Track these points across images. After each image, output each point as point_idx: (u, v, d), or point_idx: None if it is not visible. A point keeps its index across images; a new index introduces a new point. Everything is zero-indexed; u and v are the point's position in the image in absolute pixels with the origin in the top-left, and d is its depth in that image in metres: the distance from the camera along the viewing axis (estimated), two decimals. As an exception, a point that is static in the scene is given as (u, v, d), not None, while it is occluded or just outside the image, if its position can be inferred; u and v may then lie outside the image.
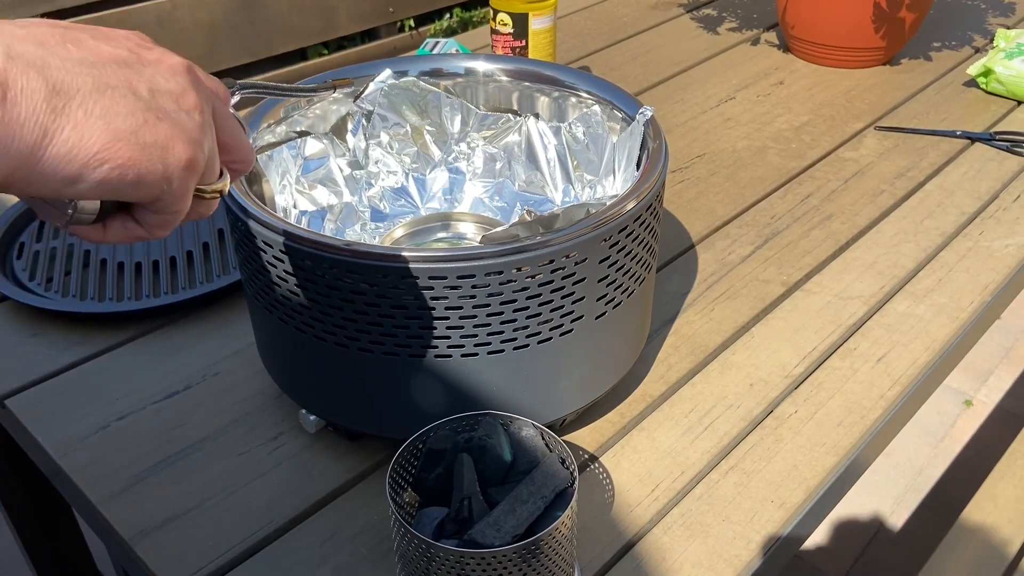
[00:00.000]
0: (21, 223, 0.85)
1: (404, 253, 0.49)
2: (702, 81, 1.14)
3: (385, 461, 0.61)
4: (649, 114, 0.61)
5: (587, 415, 0.64)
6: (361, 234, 0.70)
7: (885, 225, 0.85)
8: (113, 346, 0.72)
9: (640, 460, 0.61)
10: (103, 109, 0.30)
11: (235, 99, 0.48)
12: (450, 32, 2.49)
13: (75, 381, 0.69)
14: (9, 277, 0.78)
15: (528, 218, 0.51)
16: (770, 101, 1.08)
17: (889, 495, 1.46)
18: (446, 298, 0.50)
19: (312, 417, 0.62)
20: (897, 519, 1.42)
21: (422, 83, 0.70)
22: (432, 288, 0.50)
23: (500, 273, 0.50)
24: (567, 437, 0.63)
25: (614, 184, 0.66)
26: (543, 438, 0.52)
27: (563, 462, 0.50)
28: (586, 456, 0.61)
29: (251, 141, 0.41)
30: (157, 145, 0.32)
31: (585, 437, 0.63)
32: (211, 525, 0.57)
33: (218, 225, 0.85)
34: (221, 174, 0.37)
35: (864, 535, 1.40)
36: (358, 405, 0.57)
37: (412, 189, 0.74)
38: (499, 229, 0.51)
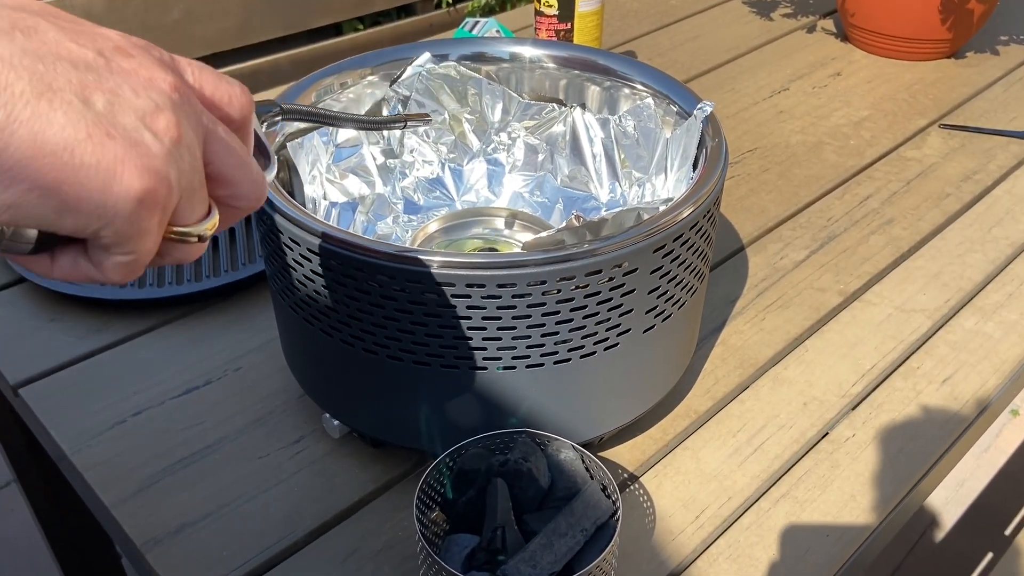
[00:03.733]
0: (44, 201, 0.82)
1: (440, 258, 0.46)
2: (754, 70, 1.08)
3: (411, 471, 0.58)
4: (708, 110, 0.56)
5: (627, 430, 0.60)
6: (393, 227, 0.66)
7: (950, 232, 0.80)
8: (133, 335, 0.69)
9: (684, 483, 0.57)
10: (33, 114, 0.24)
11: (276, 123, 0.42)
12: (488, 10, 2.44)
13: (92, 371, 0.66)
14: (29, 258, 0.75)
15: (576, 223, 0.46)
16: (827, 93, 1.03)
17: (928, 507, 1.41)
18: (484, 308, 0.46)
19: (336, 422, 0.58)
20: (937, 531, 1.37)
21: (463, 68, 0.66)
22: (469, 296, 0.46)
23: (543, 283, 0.46)
24: (605, 453, 0.59)
25: (665, 184, 0.62)
26: (583, 461, 0.48)
27: (605, 490, 0.46)
28: (625, 476, 0.57)
29: (270, 171, 0.35)
30: (99, 168, 0.25)
31: (625, 454, 0.59)
32: (227, 534, 0.54)
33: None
34: (210, 212, 0.30)
35: (902, 547, 1.35)
36: (385, 415, 0.53)
37: (448, 180, 0.70)
38: (544, 234, 0.47)
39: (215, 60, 2.07)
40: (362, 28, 2.35)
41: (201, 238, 0.30)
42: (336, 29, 2.32)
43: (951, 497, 1.42)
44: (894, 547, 1.34)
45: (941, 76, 1.06)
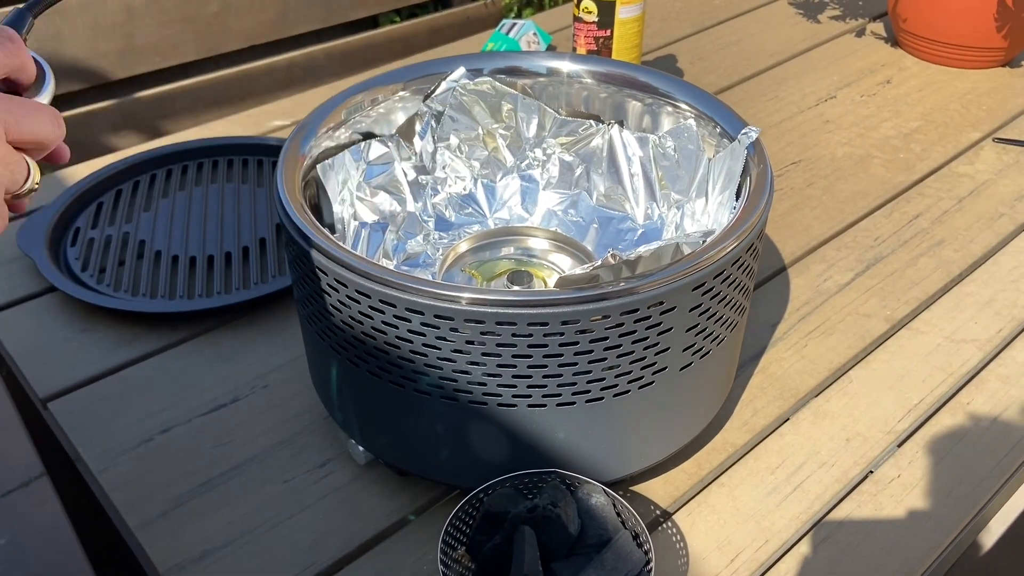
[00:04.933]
0: (78, 206, 0.82)
1: (470, 294, 0.44)
2: (799, 76, 1.05)
3: (437, 500, 0.56)
4: (754, 136, 0.54)
5: (661, 464, 0.58)
6: (424, 245, 0.65)
7: (1003, 256, 0.76)
8: (162, 348, 0.69)
9: (719, 522, 0.55)
10: None
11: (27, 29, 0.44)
12: (527, 2, 2.40)
13: (120, 385, 0.65)
14: (62, 267, 0.75)
15: (612, 261, 0.44)
16: (875, 103, 0.99)
17: (970, 524, 1.37)
18: (514, 346, 0.45)
19: (361, 448, 0.57)
20: (976, 550, 1.33)
21: (498, 84, 0.64)
22: (498, 334, 0.44)
23: (577, 322, 0.44)
24: (637, 488, 0.57)
25: (705, 208, 0.60)
26: (615, 507, 0.46)
27: (636, 538, 0.44)
28: (658, 512, 0.55)
29: (47, 87, 0.39)
30: None
31: (658, 490, 0.57)
32: (250, 562, 0.53)
33: (276, 219, 0.81)
34: (29, 171, 0.36)
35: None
36: (411, 447, 0.52)
37: (481, 196, 0.68)
38: (578, 270, 0.45)
39: (252, 53, 2.07)
40: (399, 20, 2.33)
41: (32, 191, 0.37)
42: (373, 21, 2.31)
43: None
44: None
45: (995, 86, 1.02)
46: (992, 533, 1.36)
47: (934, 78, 1.04)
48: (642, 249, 0.46)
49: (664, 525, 0.55)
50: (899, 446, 0.59)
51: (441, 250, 0.65)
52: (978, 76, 1.04)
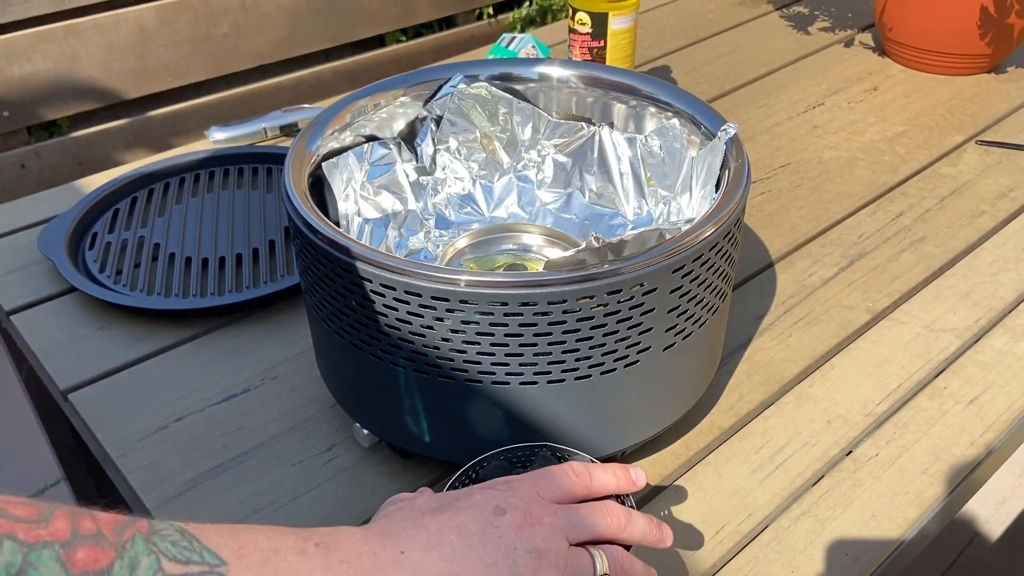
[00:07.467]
0: (95, 212, 0.86)
1: (465, 277, 0.47)
2: (789, 85, 1.08)
3: (437, 481, 0.59)
4: (732, 131, 0.57)
5: (650, 445, 0.61)
6: (425, 242, 0.68)
7: (983, 251, 0.79)
8: (176, 343, 0.72)
9: (705, 498, 0.57)
10: None
11: None
12: (529, 21, 2.46)
13: (138, 378, 0.69)
14: (80, 268, 0.79)
15: (596, 244, 0.48)
16: (862, 108, 1.02)
17: (968, 524, 1.38)
18: (506, 325, 0.48)
19: (365, 432, 0.60)
20: (976, 550, 1.35)
21: (494, 89, 0.68)
22: (492, 314, 0.48)
23: (564, 302, 0.47)
24: (628, 467, 0.60)
25: (690, 202, 0.63)
26: (602, 476, 0.49)
27: (622, 504, 0.47)
28: (646, 490, 0.58)
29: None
30: None
31: (647, 469, 0.60)
32: (260, 538, 0.56)
33: (285, 222, 0.84)
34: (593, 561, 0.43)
35: (939, 565, 1.33)
36: (411, 427, 0.55)
37: (479, 196, 0.72)
38: (565, 254, 0.48)
39: (261, 72, 2.12)
40: (405, 40, 2.39)
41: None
42: (379, 41, 2.36)
43: (991, 515, 1.40)
44: (931, 563, 1.32)
45: (980, 91, 1.05)
46: (992, 533, 1.38)
47: (920, 85, 1.07)
48: (625, 234, 0.49)
49: (652, 501, 0.57)
50: (878, 427, 0.62)
51: (441, 247, 0.68)
52: (963, 82, 1.07)
